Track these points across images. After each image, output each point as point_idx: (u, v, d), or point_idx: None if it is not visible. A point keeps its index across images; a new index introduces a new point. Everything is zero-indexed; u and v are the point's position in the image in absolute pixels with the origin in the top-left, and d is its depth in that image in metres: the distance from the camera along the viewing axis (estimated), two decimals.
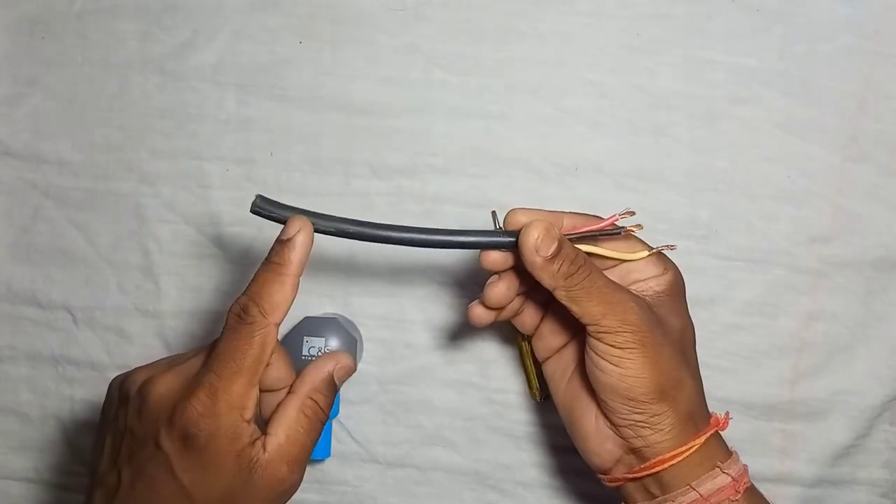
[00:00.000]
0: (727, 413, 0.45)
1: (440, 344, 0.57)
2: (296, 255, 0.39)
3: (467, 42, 0.56)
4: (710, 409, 0.56)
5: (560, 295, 0.41)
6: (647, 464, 0.42)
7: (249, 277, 0.57)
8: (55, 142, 0.59)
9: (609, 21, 0.56)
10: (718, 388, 0.56)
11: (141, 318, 0.59)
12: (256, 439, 0.39)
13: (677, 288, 0.44)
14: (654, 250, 0.44)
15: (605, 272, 0.44)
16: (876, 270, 0.55)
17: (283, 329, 0.56)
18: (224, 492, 0.38)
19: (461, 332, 0.57)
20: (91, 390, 0.60)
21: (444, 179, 0.57)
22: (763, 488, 0.56)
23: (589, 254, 0.43)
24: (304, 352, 0.54)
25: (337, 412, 0.56)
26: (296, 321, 0.55)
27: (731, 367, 0.56)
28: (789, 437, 0.56)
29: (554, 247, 0.40)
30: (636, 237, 0.45)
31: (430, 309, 0.57)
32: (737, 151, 0.55)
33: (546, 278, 0.41)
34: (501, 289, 0.43)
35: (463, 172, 0.57)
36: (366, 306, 0.58)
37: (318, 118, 0.57)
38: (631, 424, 0.41)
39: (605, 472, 0.44)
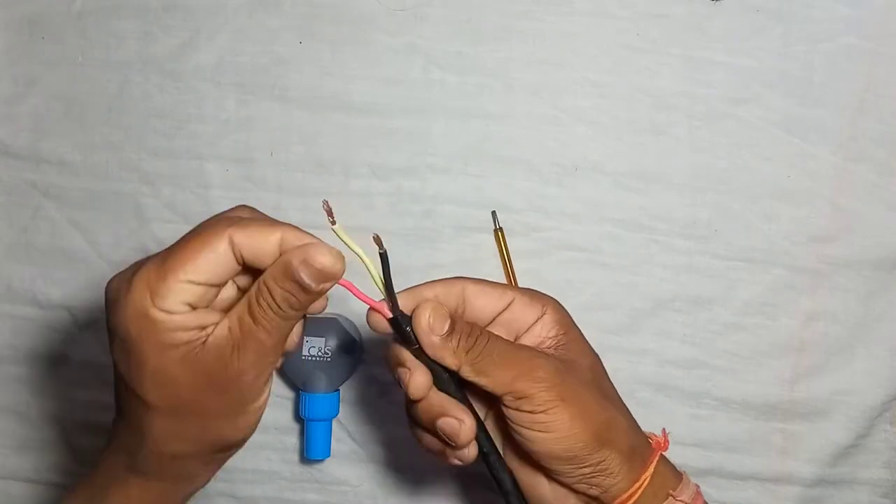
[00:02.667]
0: (664, 431, 0.43)
1: None
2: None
3: (467, 42, 0.56)
4: (710, 411, 0.56)
5: (467, 372, 0.38)
6: None
7: None
8: (55, 142, 0.59)
9: (609, 21, 0.56)
10: (718, 388, 0.56)
11: None
12: (197, 328, 0.34)
13: (566, 322, 0.41)
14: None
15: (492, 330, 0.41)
16: (875, 270, 0.55)
17: None
18: (156, 377, 0.34)
19: None
20: (91, 390, 0.60)
21: (443, 179, 0.57)
22: (763, 488, 0.56)
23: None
24: (305, 352, 0.54)
25: (337, 412, 0.56)
26: None
27: (731, 367, 0.56)
28: (789, 436, 0.56)
29: (448, 323, 0.38)
30: (491, 283, 0.41)
31: None
32: (737, 151, 0.56)
33: (448, 357, 0.38)
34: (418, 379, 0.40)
35: (463, 172, 0.57)
36: (365, 306, 0.57)
37: (318, 118, 0.57)
38: (581, 479, 0.40)
39: None
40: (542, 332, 0.41)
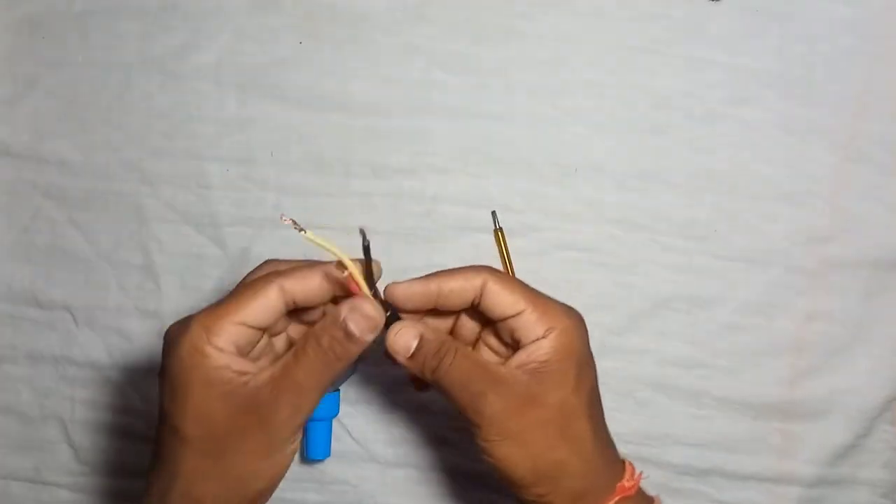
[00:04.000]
0: (640, 473, 0.42)
1: None
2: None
3: (467, 42, 0.56)
4: (709, 411, 0.56)
5: (428, 381, 0.41)
6: None
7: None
8: (56, 142, 0.59)
9: (609, 21, 0.56)
10: (717, 388, 0.56)
11: (141, 318, 0.59)
12: (240, 372, 0.38)
13: (564, 350, 0.40)
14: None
15: (496, 327, 0.42)
16: (874, 270, 0.55)
17: None
18: (195, 410, 0.37)
19: None
20: (91, 390, 0.60)
21: (444, 179, 0.57)
22: (763, 488, 0.56)
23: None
24: None
25: (337, 412, 0.56)
26: None
27: (729, 367, 0.56)
28: (788, 436, 0.56)
29: (413, 346, 0.40)
30: (513, 285, 0.41)
31: None
32: (736, 152, 0.56)
33: (413, 371, 0.41)
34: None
35: (463, 172, 0.57)
36: None
37: (319, 118, 0.57)
38: (525, 501, 0.41)
39: None
40: (532, 353, 0.40)
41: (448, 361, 0.40)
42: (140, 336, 0.59)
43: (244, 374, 0.38)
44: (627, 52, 0.56)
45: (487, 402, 0.39)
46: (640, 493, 0.43)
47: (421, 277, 0.42)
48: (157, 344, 0.58)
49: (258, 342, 0.40)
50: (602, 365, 0.55)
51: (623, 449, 0.53)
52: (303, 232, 0.38)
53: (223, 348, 0.37)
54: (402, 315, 0.42)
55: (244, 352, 0.39)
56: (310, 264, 0.40)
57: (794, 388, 0.56)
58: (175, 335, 0.38)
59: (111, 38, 0.58)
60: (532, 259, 0.56)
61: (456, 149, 0.57)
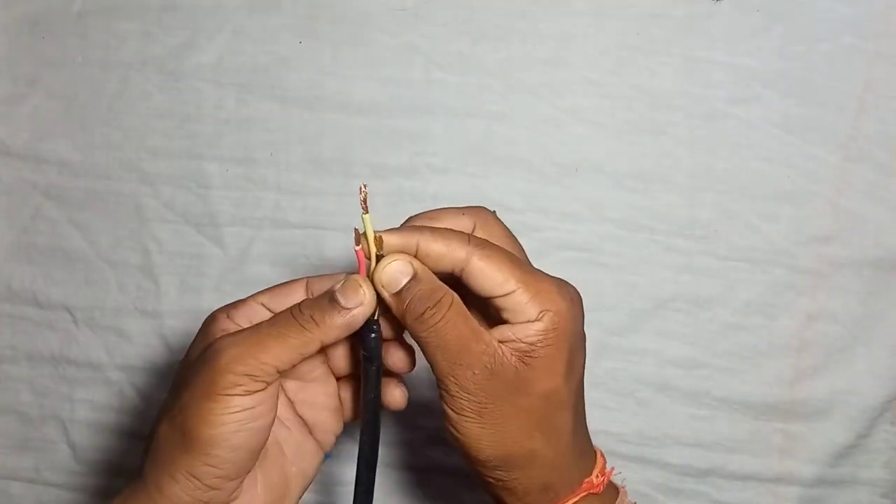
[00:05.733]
0: (611, 469, 0.40)
1: None
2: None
3: (467, 42, 0.56)
4: (710, 411, 0.56)
5: (411, 332, 0.37)
6: None
7: (249, 277, 0.57)
8: (55, 142, 0.59)
9: (609, 21, 0.56)
10: (718, 388, 0.56)
11: (141, 318, 0.59)
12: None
13: (557, 337, 0.36)
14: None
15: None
16: (875, 270, 0.55)
17: None
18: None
19: None
20: (91, 390, 0.60)
21: (443, 179, 0.57)
22: (763, 488, 0.56)
23: None
24: None
25: None
26: None
27: (730, 367, 0.56)
28: (789, 436, 0.56)
29: (404, 281, 0.36)
30: (501, 259, 0.37)
31: None
32: (737, 151, 0.56)
33: (397, 313, 0.36)
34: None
35: (463, 172, 0.57)
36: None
37: (318, 118, 0.57)
38: (487, 484, 0.39)
39: None
40: (519, 332, 0.36)
41: (439, 314, 0.35)
42: (139, 336, 0.59)
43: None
44: (627, 52, 0.56)
45: (471, 378, 0.35)
46: (609, 487, 0.40)
47: (405, 227, 0.39)
48: (157, 344, 0.59)
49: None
50: (602, 365, 0.56)
51: (623, 449, 0.53)
52: (366, 215, 0.37)
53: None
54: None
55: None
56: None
57: (794, 389, 0.56)
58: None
59: (111, 38, 0.58)
60: (532, 259, 0.56)
61: (456, 149, 0.57)
